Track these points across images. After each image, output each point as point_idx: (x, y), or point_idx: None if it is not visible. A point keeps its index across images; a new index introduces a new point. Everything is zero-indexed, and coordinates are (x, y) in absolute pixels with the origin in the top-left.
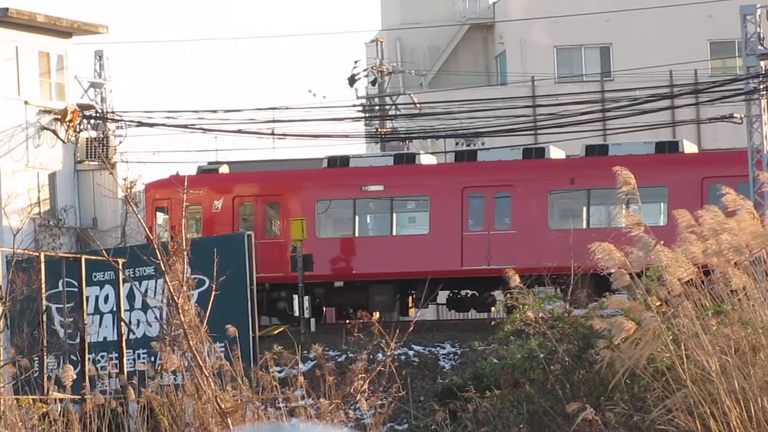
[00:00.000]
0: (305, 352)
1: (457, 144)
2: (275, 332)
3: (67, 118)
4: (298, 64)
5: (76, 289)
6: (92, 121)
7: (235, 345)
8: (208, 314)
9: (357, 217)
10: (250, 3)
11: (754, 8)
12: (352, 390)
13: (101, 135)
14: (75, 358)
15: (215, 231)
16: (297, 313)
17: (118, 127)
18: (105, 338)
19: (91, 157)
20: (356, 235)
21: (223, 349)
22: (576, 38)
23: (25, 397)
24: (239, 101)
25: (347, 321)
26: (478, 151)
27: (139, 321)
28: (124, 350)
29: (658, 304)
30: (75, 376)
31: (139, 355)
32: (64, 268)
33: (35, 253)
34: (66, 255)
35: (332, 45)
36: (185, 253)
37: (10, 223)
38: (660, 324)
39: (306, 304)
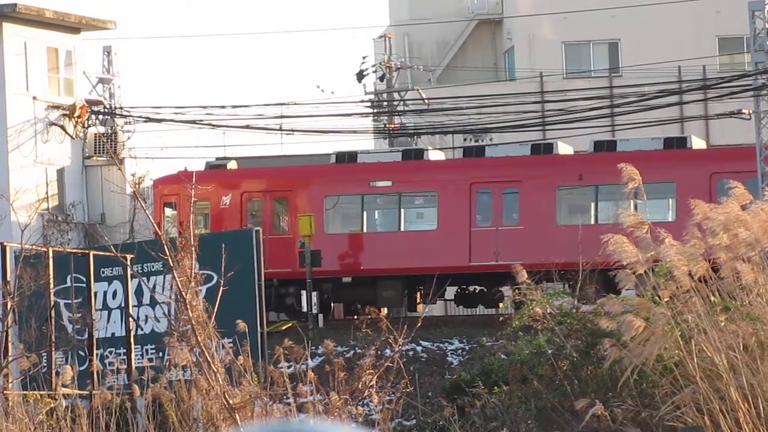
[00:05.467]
0: (313, 347)
1: (465, 140)
2: (283, 328)
3: (76, 114)
4: (306, 60)
5: (84, 285)
6: (100, 117)
7: (244, 340)
8: (216, 310)
9: (365, 213)
10: None
11: (763, 4)
12: (360, 386)
13: (109, 131)
14: (83, 354)
15: (223, 227)
16: (305, 309)
17: (126, 123)
18: (113, 334)
19: (99, 153)
20: (364, 230)
21: (232, 344)
22: (584, 34)
23: (33, 392)
24: (247, 97)
25: (355, 317)
26: (486, 146)
27: (147, 317)
28: (133, 346)
29: (666, 300)
30: (72, 374)
31: (147, 350)
32: (73, 264)
33: (43, 249)
34: (74, 251)
35: (340, 40)
36: (193, 248)
37: (18, 219)
38: (670, 319)
39: (314, 299)
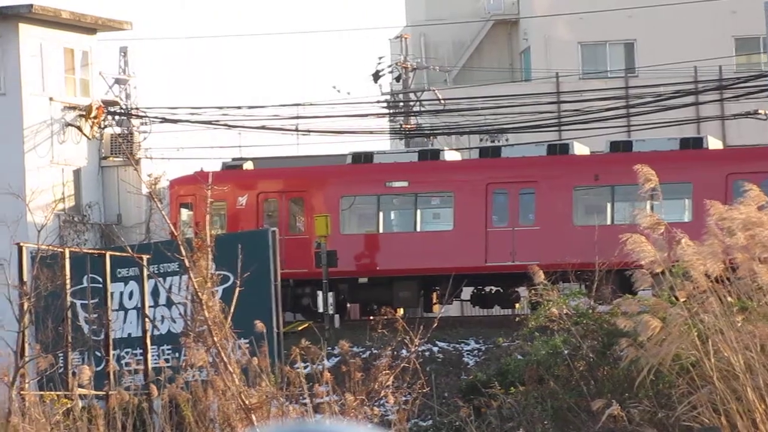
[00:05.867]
0: (329, 348)
1: (481, 140)
2: (299, 328)
3: (92, 115)
4: (322, 61)
5: (100, 286)
6: (117, 118)
7: (261, 341)
8: (232, 310)
9: (381, 214)
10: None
11: None
12: (376, 386)
13: (126, 131)
14: (99, 355)
15: (239, 227)
16: (321, 310)
17: (142, 124)
18: (129, 334)
19: (115, 154)
20: (380, 231)
21: (248, 345)
22: (600, 34)
23: (50, 393)
24: (263, 97)
25: (371, 317)
26: (502, 147)
27: (163, 317)
28: (149, 346)
29: (683, 300)
30: (90, 374)
31: (163, 351)
32: (89, 265)
33: (60, 249)
34: (90, 251)
35: (357, 41)
36: (209, 249)
37: (34, 219)
38: (687, 320)
39: (330, 300)
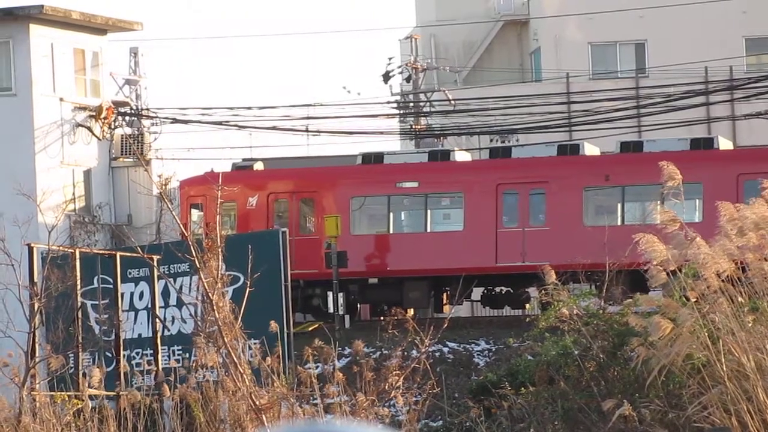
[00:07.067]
0: (339, 348)
1: (491, 141)
2: (310, 329)
3: (102, 115)
4: (332, 61)
5: (111, 286)
6: (127, 118)
7: (275, 343)
8: (242, 311)
9: (391, 214)
10: (285, 0)
11: None
12: (386, 387)
13: (136, 132)
14: (110, 355)
15: (250, 228)
16: (331, 310)
17: (152, 124)
18: (140, 335)
19: (126, 154)
20: (391, 231)
21: (259, 345)
22: (610, 35)
23: (60, 393)
24: (274, 98)
25: (381, 318)
26: (512, 147)
27: (173, 318)
28: (159, 347)
29: (694, 300)
30: (101, 376)
31: (173, 351)
32: (99, 265)
33: (70, 250)
34: (101, 252)
35: (367, 42)
36: (220, 249)
37: (45, 220)
38: (698, 320)
39: (340, 300)
